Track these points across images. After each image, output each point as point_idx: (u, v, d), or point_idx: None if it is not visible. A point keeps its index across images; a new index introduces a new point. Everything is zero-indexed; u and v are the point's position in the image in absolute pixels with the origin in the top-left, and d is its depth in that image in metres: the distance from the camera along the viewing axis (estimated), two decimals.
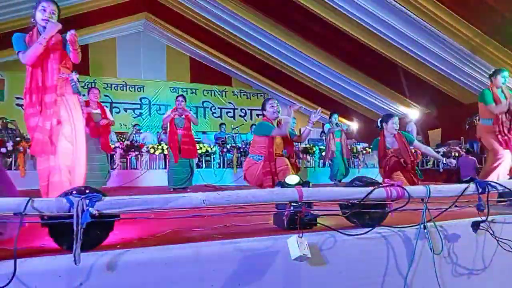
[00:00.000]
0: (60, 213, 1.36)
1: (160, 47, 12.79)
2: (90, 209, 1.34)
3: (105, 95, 11.80)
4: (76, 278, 1.34)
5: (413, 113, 11.51)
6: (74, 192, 1.44)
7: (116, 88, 12.16)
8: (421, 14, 7.03)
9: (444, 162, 4.14)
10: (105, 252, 1.42)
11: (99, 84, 11.55)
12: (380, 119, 4.43)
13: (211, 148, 8.13)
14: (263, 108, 3.84)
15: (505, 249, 2.08)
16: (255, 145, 3.77)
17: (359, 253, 1.80)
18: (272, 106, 3.73)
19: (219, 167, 8.17)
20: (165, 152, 7.71)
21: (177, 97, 5.75)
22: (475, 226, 2.03)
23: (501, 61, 7.80)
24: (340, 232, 1.77)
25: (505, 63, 7.83)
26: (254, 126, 4.00)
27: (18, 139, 6.50)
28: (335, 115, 7.03)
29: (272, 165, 3.52)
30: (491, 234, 2.05)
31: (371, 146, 4.50)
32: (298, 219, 1.75)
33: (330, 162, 6.92)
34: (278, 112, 3.72)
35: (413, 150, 4.33)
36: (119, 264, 1.40)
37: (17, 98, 11.01)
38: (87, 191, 1.46)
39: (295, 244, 1.55)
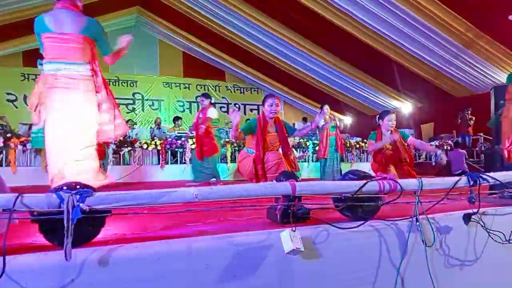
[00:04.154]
0: (50, 209, 1.34)
1: (153, 41, 12.68)
2: (80, 204, 1.33)
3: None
4: (68, 274, 1.32)
5: (406, 107, 11.58)
6: (65, 187, 1.42)
7: (108, 83, 12.05)
8: (414, 9, 7.04)
9: (437, 154, 4.14)
10: (97, 248, 1.41)
11: None
12: (378, 115, 4.44)
13: None
14: (263, 103, 3.75)
15: (495, 241, 2.11)
16: (249, 140, 3.76)
17: (352, 246, 1.81)
18: (270, 106, 3.64)
19: None
20: (159, 147, 7.68)
21: None
22: (467, 218, 2.05)
23: (493, 56, 7.86)
24: (333, 226, 1.77)
25: (496, 58, 7.89)
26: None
27: (9, 135, 6.42)
28: (326, 106, 6.80)
29: (259, 167, 3.49)
30: (482, 226, 2.07)
31: (368, 137, 4.47)
32: (291, 213, 1.75)
33: (321, 163, 6.63)
34: (275, 112, 3.64)
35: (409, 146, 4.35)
36: (111, 259, 1.39)
37: (8, 93, 10.89)
38: (78, 186, 1.45)
39: (288, 238, 1.55)
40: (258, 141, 3.55)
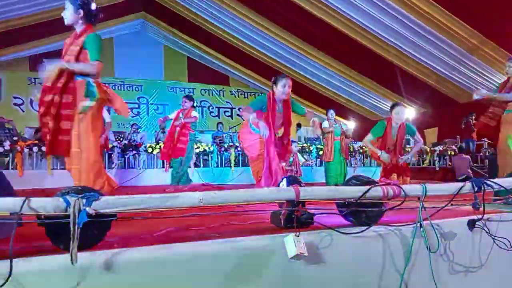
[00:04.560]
0: (56, 212, 1.36)
1: (158, 46, 12.78)
2: (87, 208, 1.34)
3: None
4: (73, 278, 1.33)
5: (410, 112, 11.55)
6: (71, 191, 1.44)
7: (113, 87, 12.11)
8: (418, 15, 7.05)
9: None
10: (102, 252, 1.42)
11: None
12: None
13: (209, 147, 8.13)
14: (274, 83, 3.64)
15: (500, 247, 2.09)
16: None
17: (356, 252, 1.81)
18: (284, 87, 3.54)
19: (217, 166, 8.17)
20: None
21: None
22: (471, 224, 2.04)
23: (497, 62, 7.84)
24: (337, 231, 1.77)
25: (501, 63, 7.86)
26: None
27: (15, 138, 6.49)
28: (331, 111, 6.86)
29: (271, 149, 3.47)
30: (486, 232, 2.07)
31: (375, 126, 4.32)
32: (295, 218, 1.76)
33: (326, 166, 6.69)
34: (287, 94, 3.57)
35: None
36: (116, 263, 1.40)
37: (15, 97, 10.98)
38: (84, 190, 1.46)
39: (292, 243, 1.56)
40: (268, 122, 3.51)
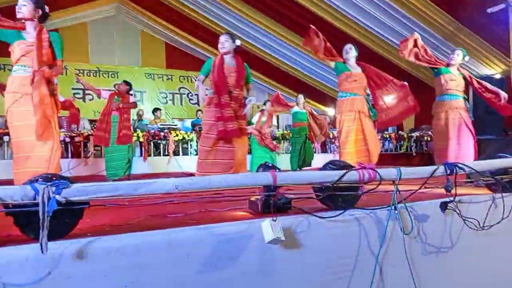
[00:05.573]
0: (25, 201, 1.31)
1: (135, 32, 12.40)
2: (56, 196, 1.30)
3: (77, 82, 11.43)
4: (44, 267, 1.30)
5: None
6: (40, 179, 1.39)
7: (88, 74, 11.77)
8: (396, 1, 7.11)
9: None
10: (74, 240, 1.39)
11: (70, 70, 11.14)
12: None
13: (188, 135, 8.05)
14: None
15: (470, 228, 2.17)
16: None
17: (333, 235, 1.84)
18: (220, 42, 3.77)
19: (196, 154, 8.10)
20: (141, 139, 7.58)
21: None
22: (443, 206, 2.10)
23: (472, 48, 8.01)
24: (314, 215, 1.79)
25: (475, 50, 8.07)
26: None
27: None
28: (300, 95, 7.13)
29: (225, 109, 3.64)
30: (458, 213, 2.13)
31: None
32: (272, 203, 1.77)
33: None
34: (223, 47, 3.75)
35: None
36: (89, 251, 1.37)
37: None
38: (53, 178, 1.41)
39: (268, 228, 1.56)
40: (214, 75, 3.72)
